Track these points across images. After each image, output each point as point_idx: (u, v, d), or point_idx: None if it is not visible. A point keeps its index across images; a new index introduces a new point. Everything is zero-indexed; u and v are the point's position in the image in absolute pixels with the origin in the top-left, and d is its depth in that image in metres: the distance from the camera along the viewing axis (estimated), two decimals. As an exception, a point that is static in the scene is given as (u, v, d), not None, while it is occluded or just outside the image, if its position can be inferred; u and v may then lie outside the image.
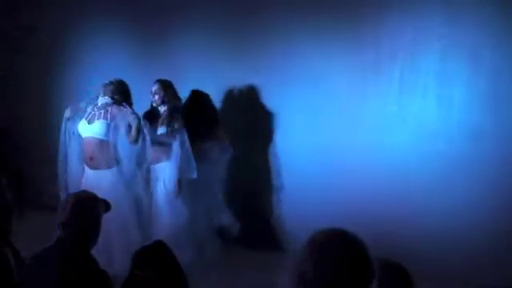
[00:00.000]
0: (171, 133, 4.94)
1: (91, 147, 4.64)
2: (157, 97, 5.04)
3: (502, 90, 4.57)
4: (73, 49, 6.67)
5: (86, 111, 4.78)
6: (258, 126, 5.59)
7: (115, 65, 6.04)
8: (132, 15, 6.23)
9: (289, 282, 1.60)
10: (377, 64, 4.97)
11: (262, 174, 5.61)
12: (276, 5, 5.40)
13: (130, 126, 4.61)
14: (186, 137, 4.92)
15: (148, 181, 4.91)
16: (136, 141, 4.62)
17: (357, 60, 5.04)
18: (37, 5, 6.91)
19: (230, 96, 5.63)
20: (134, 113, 4.71)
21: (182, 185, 4.98)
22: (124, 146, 4.64)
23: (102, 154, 4.62)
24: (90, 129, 4.65)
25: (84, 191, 3.23)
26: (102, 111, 4.67)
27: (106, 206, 2.93)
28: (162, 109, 5.05)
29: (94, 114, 4.69)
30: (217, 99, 5.44)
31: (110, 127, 4.60)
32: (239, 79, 5.59)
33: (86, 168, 4.71)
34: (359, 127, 5.08)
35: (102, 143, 4.62)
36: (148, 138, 4.67)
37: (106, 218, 2.94)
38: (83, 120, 4.71)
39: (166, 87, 5.06)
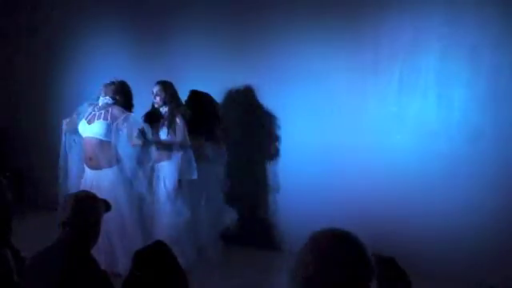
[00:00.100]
0: (172, 133, 4.95)
1: (91, 147, 4.64)
2: (158, 98, 5.05)
3: (501, 90, 4.57)
4: (73, 49, 6.67)
5: (86, 111, 4.78)
6: (258, 126, 5.59)
7: (115, 65, 6.04)
8: (132, 15, 6.23)
9: (289, 282, 1.60)
10: (376, 64, 4.97)
11: (262, 173, 5.61)
12: (276, 5, 5.40)
13: (132, 131, 4.62)
14: (187, 137, 4.93)
15: (151, 180, 4.92)
16: (139, 145, 4.62)
17: (357, 60, 5.04)
18: (37, 5, 6.91)
19: (230, 96, 5.63)
20: (137, 120, 4.71)
21: (183, 185, 4.99)
22: (124, 146, 4.64)
23: (102, 153, 4.62)
24: (90, 129, 4.65)
25: (84, 191, 3.24)
26: (103, 111, 4.67)
27: (106, 206, 2.93)
28: (164, 110, 5.06)
29: (95, 114, 4.69)
30: (217, 99, 5.44)
31: (111, 127, 4.60)
32: (239, 79, 5.59)
33: (86, 168, 4.72)
34: (359, 127, 5.08)
35: (102, 143, 4.62)
36: (150, 140, 4.69)
37: (107, 217, 2.95)
38: (83, 120, 4.71)
39: (167, 88, 5.07)
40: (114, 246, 4.59)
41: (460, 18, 4.66)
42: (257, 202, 5.66)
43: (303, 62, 5.26)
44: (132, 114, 4.77)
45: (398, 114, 4.94)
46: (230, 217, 5.29)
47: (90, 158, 4.65)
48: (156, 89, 5.07)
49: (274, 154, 5.55)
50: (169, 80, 5.16)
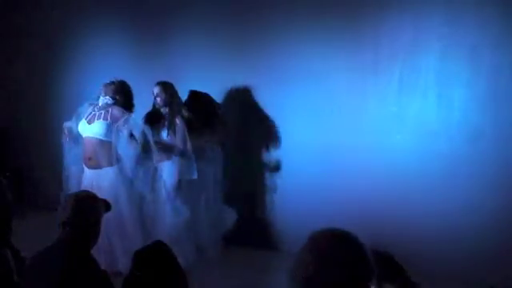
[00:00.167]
0: (172, 134, 4.96)
1: (91, 147, 4.64)
2: (158, 99, 5.07)
3: (501, 90, 4.57)
4: (73, 49, 6.67)
5: (87, 111, 4.79)
6: (258, 126, 5.59)
7: (115, 65, 6.04)
8: (132, 15, 6.23)
9: (288, 282, 1.60)
10: (376, 64, 4.97)
11: (262, 173, 5.61)
12: (276, 5, 5.40)
13: (132, 132, 4.64)
14: (187, 138, 4.94)
15: (152, 180, 4.92)
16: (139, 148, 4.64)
17: (357, 60, 5.04)
18: (37, 5, 6.91)
19: (230, 96, 5.63)
20: (137, 122, 4.71)
21: (182, 185, 4.99)
22: (124, 146, 4.64)
23: (102, 153, 4.62)
24: (89, 129, 4.65)
25: (84, 191, 3.24)
26: (103, 111, 4.67)
27: (106, 205, 2.93)
28: (164, 110, 5.06)
29: (95, 114, 4.69)
30: (217, 99, 5.44)
31: (111, 127, 4.60)
32: (239, 79, 5.59)
33: (85, 168, 4.72)
34: (359, 127, 5.07)
35: (102, 143, 4.62)
36: (151, 142, 4.70)
37: (106, 217, 2.95)
38: (83, 120, 4.72)
39: (168, 89, 5.08)
40: (113, 246, 4.59)
41: (460, 18, 4.66)
42: (256, 202, 5.66)
43: (303, 62, 5.26)
44: (132, 115, 4.76)
45: (398, 114, 4.94)
46: (230, 217, 5.30)
47: (90, 158, 4.65)
48: (156, 90, 5.09)
49: (273, 154, 5.55)
50: (169, 80, 5.17)
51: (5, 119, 7.14)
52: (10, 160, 6.93)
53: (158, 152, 4.84)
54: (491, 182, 4.59)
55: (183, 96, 5.27)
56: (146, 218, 4.85)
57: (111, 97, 4.72)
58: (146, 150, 4.70)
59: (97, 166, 4.65)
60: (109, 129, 4.60)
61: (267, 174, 5.59)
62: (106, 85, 4.79)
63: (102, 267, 2.74)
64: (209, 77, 5.59)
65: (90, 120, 4.69)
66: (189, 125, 5.10)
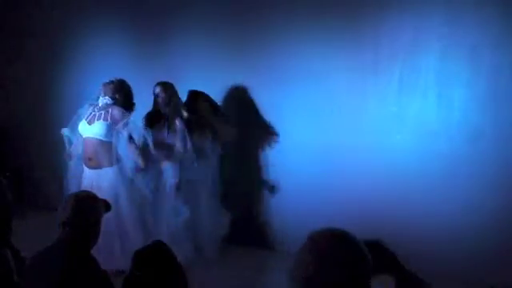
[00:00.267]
0: (172, 135, 4.96)
1: (92, 147, 4.65)
2: (159, 99, 5.07)
3: (501, 90, 4.57)
4: (73, 49, 6.67)
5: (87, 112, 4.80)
6: (258, 126, 5.59)
7: (115, 65, 6.04)
8: (132, 15, 6.23)
9: (288, 282, 1.60)
10: (376, 64, 4.97)
11: (262, 173, 5.61)
12: (276, 5, 5.40)
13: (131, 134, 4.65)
14: (187, 138, 4.95)
15: (152, 179, 4.93)
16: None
17: (357, 60, 5.04)
18: (36, 5, 6.91)
19: (230, 96, 5.63)
20: (136, 125, 4.71)
21: (182, 184, 5.00)
22: (124, 147, 4.65)
23: (102, 153, 4.63)
24: (90, 129, 4.66)
25: (84, 191, 3.24)
26: (103, 112, 4.68)
27: (106, 206, 2.93)
28: (164, 110, 5.07)
29: (95, 115, 4.70)
30: (216, 99, 5.45)
31: (111, 128, 4.61)
32: (239, 79, 5.59)
33: (85, 168, 4.72)
34: (359, 127, 5.07)
35: (102, 143, 4.63)
36: (151, 143, 4.71)
37: (106, 217, 2.95)
38: (83, 121, 4.72)
39: (168, 89, 5.09)
40: (112, 245, 4.59)
41: (460, 18, 4.66)
42: (256, 202, 5.66)
43: (303, 62, 5.26)
44: (131, 117, 4.76)
45: (398, 114, 4.94)
46: (229, 217, 5.30)
47: (90, 158, 4.66)
48: (157, 90, 5.10)
49: (273, 154, 5.55)
50: (169, 80, 5.18)
51: (5, 119, 7.14)
52: (10, 160, 6.92)
53: (158, 153, 4.84)
54: (491, 182, 4.59)
55: (183, 96, 5.28)
56: (147, 217, 4.85)
57: (111, 97, 4.73)
58: (145, 152, 4.72)
59: (97, 166, 4.65)
60: (109, 129, 4.61)
61: (267, 174, 5.59)
62: (105, 84, 4.79)
63: (102, 267, 2.74)
64: (209, 77, 5.59)
65: (90, 121, 4.69)
66: (189, 125, 5.11)
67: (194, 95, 5.36)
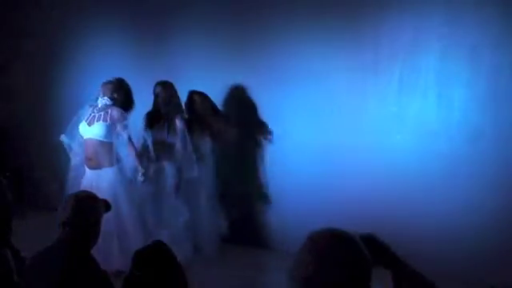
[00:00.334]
0: (173, 134, 4.97)
1: (92, 148, 4.66)
2: (159, 99, 5.07)
3: (502, 90, 4.57)
4: (72, 49, 6.67)
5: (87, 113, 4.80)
6: (258, 126, 5.59)
7: (115, 65, 6.03)
8: (132, 15, 6.23)
9: (288, 282, 1.60)
10: (376, 64, 4.97)
11: (261, 173, 5.61)
12: (276, 5, 5.40)
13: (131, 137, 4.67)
14: (187, 137, 4.95)
15: (152, 179, 4.93)
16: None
17: (357, 60, 5.04)
18: (36, 5, 6.91)
19: (230, 95, 5.63)
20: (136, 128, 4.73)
21: (182, 184, 5.01)
22: (124, 148, 4.66)
23: (102, 154, 4.64)
24: (90, 130, 4.66)
25: (84, 191, 3.24)
26: (102, 113, 4.67)
27: (106, 206, 2.93)
28: (164, 110, 5.07)
29: (94, 116, 4.69)
30: (216, 99, 5.45)
31: (110, 129, 4.61)
32: (239, 79, 5.59)
33: (86, 168, 4.73)
34: (359, 127, 5.07)
35: (102, 144, 4.64)
36: (150, 145, 4.71)
37: (106, 216, 2.94)
38: (83, 122, 4.72)
39: (168, 89, 5.09)
40: (111, 245, 4.58)
41: (460, 18, 4.66)
42: (256, 202, 5.66)
43: (303, 61, 5.26)
44: (131, 117, 4.76)
45: (398, 114, 4.94)
46: (229, 216, 5.31)
47: (90, 159, 4.67)
48: (157, 90, 5.10)
49: (273, 154, 5.54)
50: (169, 80, 5.18)
51: (5, 119, 7.14)
52: (10, 160, 6.92)
53: (158, 150, 4.85)
54: (491, 182, 4.59)
55: (183, 96, 5.28)
56: (147, 217, 4.85)
57: (109, 97, 4.71)
58: (145, 153, 4.74)
59: (97, 167, 4.66)
60: (108, 130, 4.61)
61: (267, 174, 5.59)
62: (104, 84, 4.77)
63: (101, 267, 2.74)
64: (209, 77, 5.59)
65: (89, 122, 4.69)
66: (189, 125, 5.11)
67: (194, 95, 5.37)
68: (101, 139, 4.63)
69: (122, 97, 4.77)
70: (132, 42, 6.27)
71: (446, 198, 4.72)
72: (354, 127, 5.09)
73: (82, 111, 4.83)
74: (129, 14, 6.26)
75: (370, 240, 1.76)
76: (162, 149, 4.98)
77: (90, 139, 4.67)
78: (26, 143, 7.05)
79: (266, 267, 5.17)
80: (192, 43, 5.86)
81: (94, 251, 2.76)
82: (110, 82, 4.77)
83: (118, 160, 4.66)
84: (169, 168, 4.99)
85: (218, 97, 5.49)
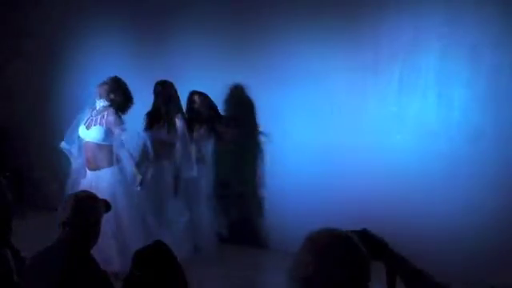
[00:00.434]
0: (173, 133, 4.97)
1: (91, 151, 4.67)
2: (159, 98, 5.07)
3: (502, 90, 4.57)
4: (72, 49, 6.67)
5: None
6: (258, 126, 5.59)
7: (115, 65, 6.03)
8: (132, 15, 6.23)
9: (287, 282, 1.60)
10: (376, 64, 4.97)
11: (261, 173, 5.61)
12: (276, 5, 5.40)
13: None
14: (187, 137, 4.95)
15: (152, 179, 4.93)
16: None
17: (356, 60, 5.04)
18: (36, 5, 6.90)
19: (230, 95, 5.63)
20: (134, 133, 4.70)
21: (182, 184, 5.01)
22: (122, 149, 4.65)
23: (100, 156, 4.64)
24: (88, 134, 4.67)
25: (84, 191, 3.23)
26: (99, 117, 4.65)
27: (106, 206, 2.92)
28: (164, 110, 5.07)
29: (92, 120, 4.68)
30: (216, 99, 5.45)
31: (107, 132, 4.60)
32: (239, 79, 5.59)
33: (86, 169, 4.73)
34: (359, 127, 5.07)
35: (100, 147, 4.64)
36: (150, 148, 4.71)
37: (104, 216, 2.94)
38: (82, 125, 4.72)
39: (168, 88, 5.08)
40: (109, 245, 4.57)
41: (460, 18, 4.66)
42: (257, 202, 5.66)
43: (303, 61, 5.26)
44: (128, 118, 4.75)
45: (398, 114, 4.94)
46: (228, 216, 5.31)
47: (90, 161, 4.67)
48: (157, 89, 5.10)
49: (273, 154, 5.54)
50: (169, 80, 5.17)
51: (5, 119, 7.14)
52: (10, 160, 6.92)
53: (158, 150, 4.85)
54: (492, 182, 4.59)
55: (183, 96, 5.28)
56: (147, 217, 4.84)
57: (106, 98, 4.67)
58: (145, 159, 4.74)
59: (96, 168, 4.66)
60: (106, 133, 4.60)
61: (267, 174, 5.59)
62: (99, 86, 4.70)
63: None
64: (209, 76, 5.59)
65: (88, 125, 4.69)
66: (189, 124, 5.11)
67: (195, 95, 5.37)
68: (99, 142, 4.63)
69: (120, 96, 4.72)
70: (132, 42, 6.27)
71: (447, 198, 4.72)
72: (354, 127, 5.09)
73: (82, 115, 4.81)
74: (129, 14, 6.26)
75: (363, 234, 1.77)
76: (162, 148, 4.98)
77: (89, 142, 4.67)
78: (25, 143, 7.05)
79: (266, 267, 5.18)
80: (192, 43, 5.86)
81: (93, 251, 2.76)
82: (105, 84, 4.71)
83: (118, 160, 4.66)
84: (168, 168, 4.99)
85: (217, 97, 5.49)
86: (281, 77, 5.38)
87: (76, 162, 4.78)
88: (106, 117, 4.62)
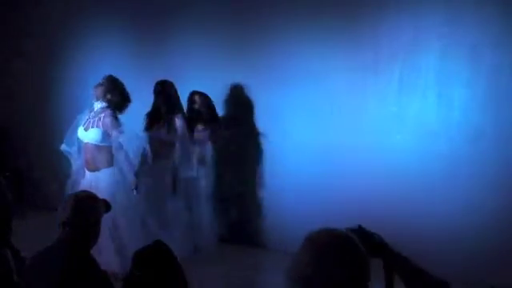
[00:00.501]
0: (173, 133, 4.97)
1: (89, 152, 4.67)
2: (159, 98, 5.07)
3: (502, 90, 4.56)
4: (72, 49, 6.67)
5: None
6: (257, 126, 5.59)
7: (115, 65, 6.03)
8: (132, 15, 6.23)
9: (287, 282, 1.60)
10: (376, 64, 4.97)
11: (261, 173, 5.61)
12: (276, 5, 5.40)
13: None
14: (187, 137, 4.95)
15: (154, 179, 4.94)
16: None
17: (356, 60, 5.04)
18: (36, 5, 6.91)
19: (230, 95, 5.63)
20: (132, 136, 4.68)
21: (182, 184, 5.01)
22: (121, 151, 4.65)
23: (99, 158, 4.64)
24: (86, 135, 4.67)
25: (84, 191, 3.24)
26: (96, 119, 4.64)
27: (106, 206, 2.92)
28: (164, 109, 5.07)
29: (90, 121, 4.68)
30: (216, 99, 5.45)
31: (105, 134, 4.59)
32: (239, 79, 5.59)
33: (85, 170, 4.74)
34: (359, 127, 5.07)
35: (99, 148, 4.64)
36: (149, 151, 4.71)
37: (103, 216, 2.94)
38: (81, 127, 4.72)
39: (168, 88, 5.09)
40: (107, 245, 4.57)
41: (460, 18, 4.65)
42: (256, 202, 5.66)
43: (303, 61, 5.26)
44: (127, 115, 4.75)
45: (398, 114, 4.94)
46: (228, 216, 5.31)
47: (88, 162, 4.68)
48: (157, 89, 5.10)
49: (273, 154, 5.55)
50: (169, 79, 5.18)
51: (5, 119, 7.14)
52: (10, 160, 6.93)
53: (157, 150, 4.85)
54: (492, 183, 4.58)
55: (183, 96, 5.28)
56: (146, 217, 4.84)
57: (103, 99, 4.65)
58: (145, 159, 4.74)
59: (95, 169, 4.66)
60: (104, 135, 4.59)
61: (267, 174, 5.59)
62: (95, 87, 4.68)
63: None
64: (208, 76, 5.59)
65: (86, 127, 4.69)
66: (188, 124, 5.12)
67: (195, 95, 5.37)
68: (97, 144, 4.62)
69: (117, 96, 4.68)
70: (132, 42, 6.27)
71: (447, 199, 4.72)
72: (354, 127, 5.09)
73: (81, 116, 4.81)
74: (129, 14, 6.26)
75: (359, 231, 1.77)
76: (162, 148, 4.98)
77: (88, 143, 4.67)
78: (25, 143, 7.06)
79: (266, 267, 5.18)
80: (192, 43, 5.87)
81: (93, 251, 2.76)
82: (100, 85, 4.68)
83: (117, 162, 4.66)
84: (168, 167, 4.99)
85: (217, 96, 5.49)
86: (281, 77, 5.38)
87: (76, 164, 4.78)
88: (102, 119, 4.60)
